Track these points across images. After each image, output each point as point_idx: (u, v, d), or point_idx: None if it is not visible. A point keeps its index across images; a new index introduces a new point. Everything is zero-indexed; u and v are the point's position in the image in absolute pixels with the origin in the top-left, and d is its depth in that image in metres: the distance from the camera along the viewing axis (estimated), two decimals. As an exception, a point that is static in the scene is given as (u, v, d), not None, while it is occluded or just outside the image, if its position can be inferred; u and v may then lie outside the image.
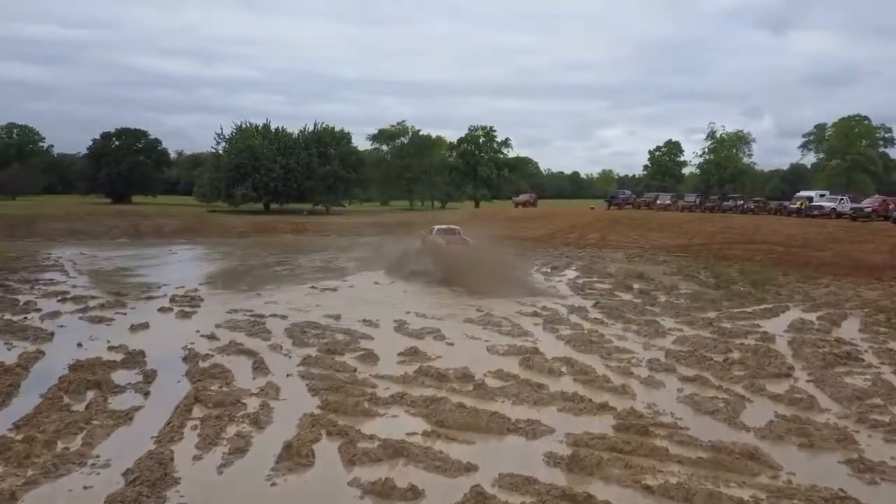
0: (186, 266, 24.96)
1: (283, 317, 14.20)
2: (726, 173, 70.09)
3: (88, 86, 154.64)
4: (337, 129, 63.99)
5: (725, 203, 46.48)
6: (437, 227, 23.99)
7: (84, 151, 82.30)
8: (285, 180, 57.04)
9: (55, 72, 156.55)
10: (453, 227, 23.82)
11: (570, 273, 24.45)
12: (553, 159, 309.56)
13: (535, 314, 15.04)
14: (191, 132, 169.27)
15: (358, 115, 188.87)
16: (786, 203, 43.48)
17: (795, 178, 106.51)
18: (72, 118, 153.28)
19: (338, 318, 14.19)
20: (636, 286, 20.11)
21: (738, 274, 23.89)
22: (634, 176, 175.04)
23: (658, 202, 49.19)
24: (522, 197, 61.43)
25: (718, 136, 72.94)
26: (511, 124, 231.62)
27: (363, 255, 28.47)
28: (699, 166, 75.13)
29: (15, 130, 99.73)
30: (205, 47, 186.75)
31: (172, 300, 16.18)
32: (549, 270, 24.86)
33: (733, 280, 22.24)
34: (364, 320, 13.84)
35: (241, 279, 21.36)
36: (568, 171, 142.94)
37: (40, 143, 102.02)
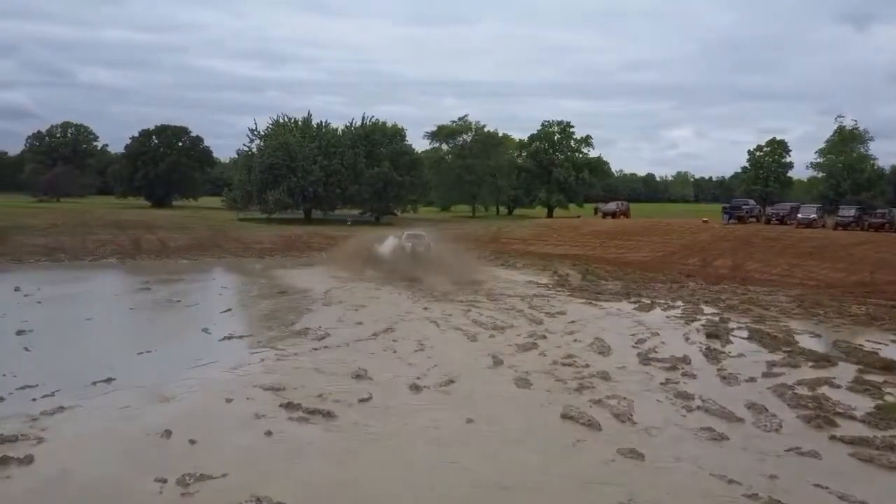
0: (142, 320, 16.29)
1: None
2: (862, 178, 56.51)
3: (163, 88, 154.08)
4: (389, 124, 55.32)
5: (903, 220, 34.37)
6: (406, 232, 28.02)
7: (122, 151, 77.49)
8: (327, 184, 48.54)
9: (132, 75, 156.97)
10: (419, 233, 28.05)
11: (743, 347, 14.51)
12: (619, 161, 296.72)
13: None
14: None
15: (420, 117, 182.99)
16: None
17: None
18: (146, 121, 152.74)
19: None
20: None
21: None
22: (711, 178, 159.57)
23: (800, 216, 37.46)
24: (611, 206, 50.66)
25: (849, 130, 59.54)
26: (576, 125, 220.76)
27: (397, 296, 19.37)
28: (821, 167, 61.72)
29: (70, 130, 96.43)
30: (272, 49, 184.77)
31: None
32: (703, 340, 15.00)
33: None
34: None
35: (182, 354, 12.34)
36: (640, 174, 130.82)
37: (94, 143, 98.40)
